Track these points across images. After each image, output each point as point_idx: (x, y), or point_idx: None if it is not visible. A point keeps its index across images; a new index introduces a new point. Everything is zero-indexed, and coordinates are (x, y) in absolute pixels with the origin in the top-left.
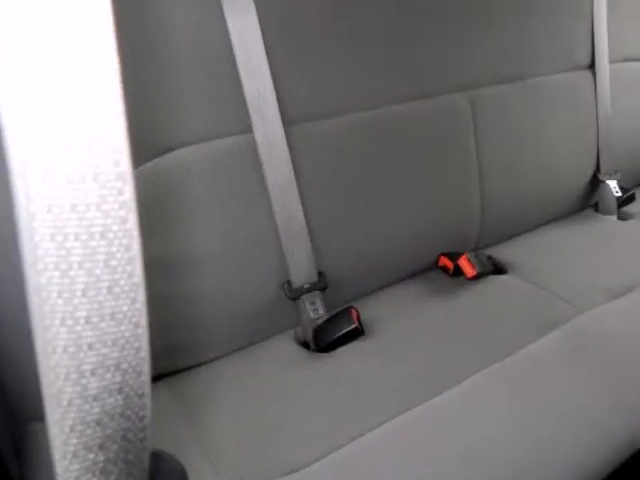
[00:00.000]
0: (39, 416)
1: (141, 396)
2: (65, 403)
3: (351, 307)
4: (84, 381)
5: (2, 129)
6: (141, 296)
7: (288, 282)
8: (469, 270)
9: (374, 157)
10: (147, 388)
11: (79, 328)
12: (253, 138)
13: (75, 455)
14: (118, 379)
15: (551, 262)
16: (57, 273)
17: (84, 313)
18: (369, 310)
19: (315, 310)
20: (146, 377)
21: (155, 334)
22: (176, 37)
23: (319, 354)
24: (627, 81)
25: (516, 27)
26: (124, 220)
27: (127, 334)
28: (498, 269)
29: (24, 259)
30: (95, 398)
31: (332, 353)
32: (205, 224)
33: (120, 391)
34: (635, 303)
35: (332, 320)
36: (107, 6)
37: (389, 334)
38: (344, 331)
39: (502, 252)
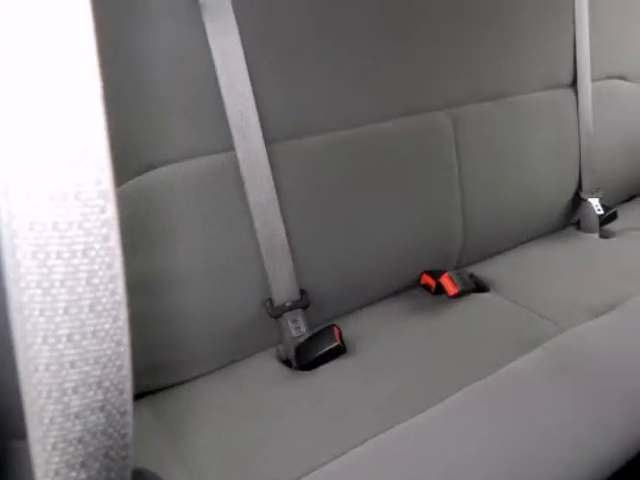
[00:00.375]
0: (21, 434)
1: (123, 414)
2: (47, 421)
3: (333, 325)
4: (66, 399)
5: None
6: (123, 314)
7: (270, 300)
8: (451, 288)
9: (355, 175)
10: (129, 406)
11: (61, 346)
12: (235, 156)
13: (57, 473)
14: (100, 397)
15: (533, 280)
16: (39, 291)
17: (66, 331)
18: (351, 328)
19: (297, 328)
20: (128, 395)
21: (137, 352)
22: (159, 57)
23: (301, 372)
24: (609, 99)
25: (498, 45)
26: (106, 238)
27: (109, 352)
28: (480, 287)
29: (6, 277)
30: (77, 416)
31: (314, 371)
32: (187, 242)
33: (102, 409)
34: (617, 321)
35: (314, 338)
36: (89, 27)
37: (371, 352)
38: (326, 349)
39: (484, 270)
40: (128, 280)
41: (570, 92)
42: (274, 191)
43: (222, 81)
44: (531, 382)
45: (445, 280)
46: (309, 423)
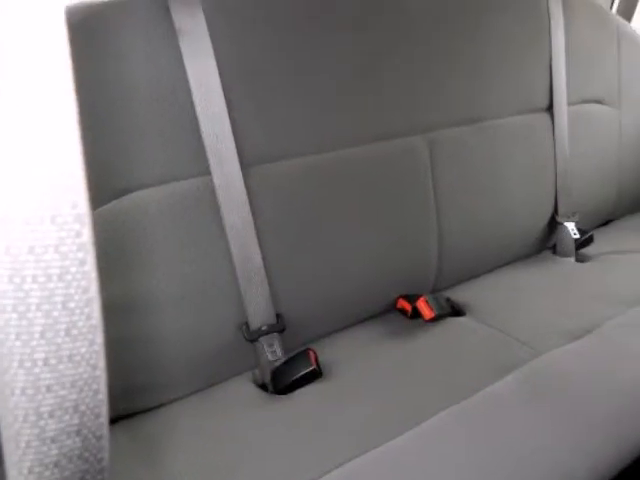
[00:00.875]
0: None
1: (99, 438)
2: (23, 445)
3: (309, 349)
4: (42, 423)
5: None
6: (99, 338)
7: (246, 324)
8: (427, 312)
9: (332, 199)
10: (105, 430)
11: (37, 370)
12: (211, 180)
13: None
14: (76, 421)
15: (509, 304)
16: (15, 315)
17: (42, 355)
18: (327, 352)
19: (273, 352)
20: (104, 419)
21: (113, 376)
22: (135, 81)
23: (277, 396)
24: (585, 123)
25: (474, 69)
26: (82, 262)
27: (85, 376)
28: (456, 311)
29: None
30: (53, 440)
31: (290, 395)
32: (163, 266)
33: (78, 433)
34: (593, 345)
35: (290, 362)
36: (65, 53)
37: (347, 376)
38: (302, 373)
39: (460, 294)
40: (104, 304)
41: (546, 116)
42: (250, 215)
43: (198, 105)
44: (508, 406)
45: (421, 304)
46: (285, 447)
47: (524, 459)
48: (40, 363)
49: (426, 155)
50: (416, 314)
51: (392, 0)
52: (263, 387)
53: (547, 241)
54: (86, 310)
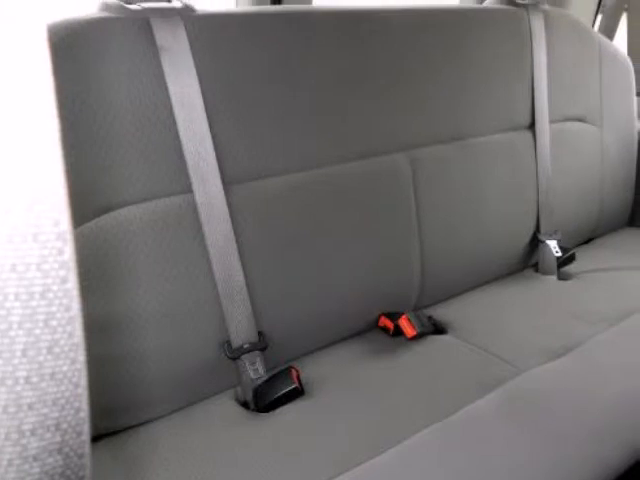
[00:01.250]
0: None
1: (81, 456)
2: (5, 463)
3: (291, 367)
4: (24, 441)
5: None
6: (81, 356)
7: (228, 342)
8: (409, 330)
9: (314, 217)
10: (87, 448)
11: (19, 388)
12: (193, 198)
13: None
14: (58, 439)
15: (491, 322)
16: None
17: (24, 373)
18: (309, 370)
19: (255, 370)
20: (86, 437)
21: (95, 394)
22: (116, 99)
23: (259, 414)
24: (567, 141)
25: (456, 87)
26: (64, 280)
27: (67, 394)
28: (438, 329)
29: None
30: (35, 458)
31: (272, 413)
32: (145, 284)
33: (60, 451)
34: (575, 363)
35: (272, 380)
36: (47, 72)
37: (329, 394)
38: (284, 391)
39: (442, 312)
40: (86, 322)
41: (528, 134)
42: (232, 233)
43: (180, 123)
44: (489, 424)
45: (403, 322)
46: (267, 465)
47: (506, 477)
48: (22, 381)
49: (408, 173)
50: (398, 332)
51: (373, 19)
52: (245, 405)
53: (529, 259)
54: (68, 328)
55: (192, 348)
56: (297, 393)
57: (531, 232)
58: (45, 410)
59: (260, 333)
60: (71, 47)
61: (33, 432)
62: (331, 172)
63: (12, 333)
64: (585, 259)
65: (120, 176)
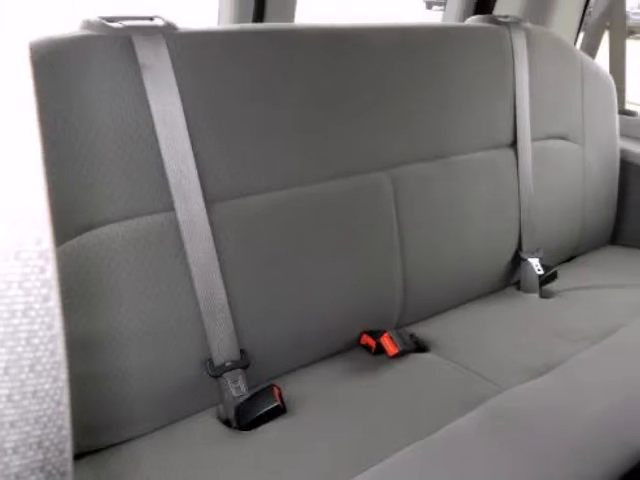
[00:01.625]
0: None
1: (63, 474)
2: None
3: (273, 385)
4: (6, 459)
5: None
6: (63, 374)
7: (210, 360)
8: (391, 348)
9: (295, 235)
10: (69, 466)
11: (1, 406)
12: (175, 216)
13: None
14: (40, 457)
15: (473, 340)
16: None
17: (6, 391)
18: (291, 388)
19: (237, 388)
20: (68, 455)
21: (77, 412)
22: (98, 116)
23: (241, 432)
24: (549, 159)
25: (437, 105)
26: (46, 298)
27: (49, 412)
28: (420, 347)
29: None
30: (17, 476)
31: (254, 431)
32: (127, 302)
33: (42, 469)
34: (556, 382)
35: (254, 398)
36: (30, 90)
37: (311, 412)
38: (265, 409)
39: (424, 330)
40: (68, 340)
41: (510, 152)
42: (214, 251)
43: (162, 141)
44: (471, 442)
45: (385, 340)
46: None
47: None
48: (4, 399)
49: (390, 191)
50: (380, 350)
51: (356, 37)
52: (227, 423)
53: (511, 277)
54: (50, 346)
55: (174, 366)
56: (279, 411)
57: (513, 250)
58: (27, 428)
59: (242, 351)
60: (53, 65)
61: (15, 450)
62: (313, 190)
63: None
64: (567, 277)
65: (102, 194)
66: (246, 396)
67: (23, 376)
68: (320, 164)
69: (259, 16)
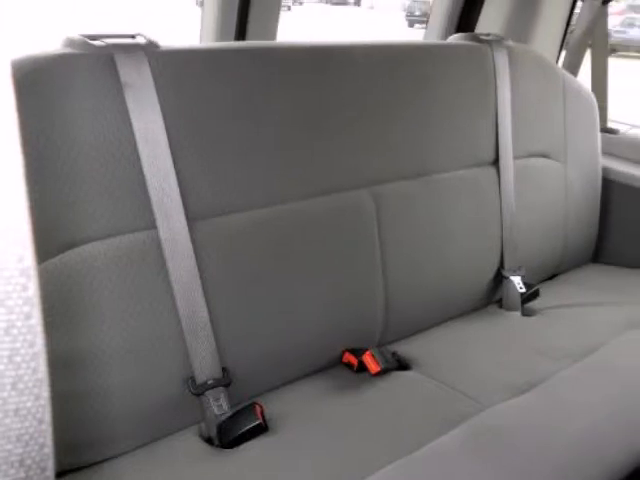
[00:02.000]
0: None
1: None
2: None
3: (255, 403)
4: None
5: None
6: (45, 392)
7: (192, 378)
8: (373, 366)
9: (278, 253)
10: None
11: None
12: (157, 234)
13: None
14: (22, 475)
15: (455, 358)
16: None
17: None
18: (273, 406)
19: (219, 406)
20: (50, 473)
21: (59, 430)
22: (81, 134)
23: (223, 450)
24: (531, 177)
25: (419, 123)
26: (28, 316)
27: (31, 430)
28: (402, 365)
29: None
30: None
31: (236, 449)
32: (109, 320)
33: None
34: (538, 399)
35: (236, 416)
36: (11, 106)
37: (293, 430)
38: (247, 427)
39: (406, 348)
40: (50, 358)
41: (492, 170)
42: (196, 269)
43: (144, 159)
44: (453, 460)
45: (367, 358)
46: None
47: None
48: None
49: (372, 209)
50: (362, 368)
51: (337, 55)
52: (209, 441)
53: (493, 295)
54: (32, 364)
55: (156, 384)
56: (261, 429)
57: (495, 268)
58: (9, 446)
59: (224, 369)
60: (35, 83)
61: None
62: (295, 208)
63: None
64: (549, 295)
65: (84, 212)
66: (228, 414)
67: (5, 394)
68: (302, 182)
69: (241, 34)
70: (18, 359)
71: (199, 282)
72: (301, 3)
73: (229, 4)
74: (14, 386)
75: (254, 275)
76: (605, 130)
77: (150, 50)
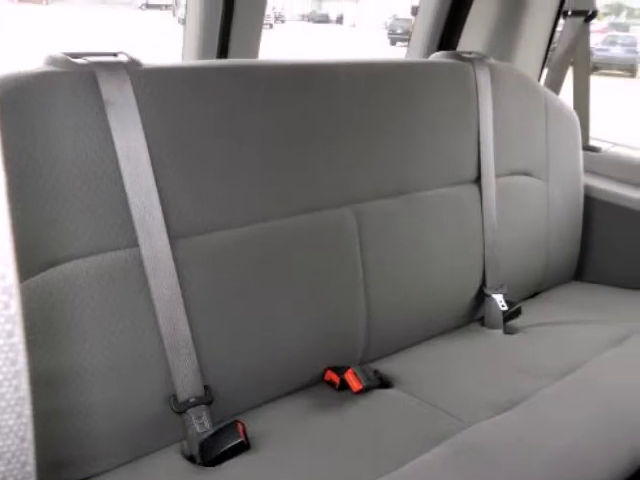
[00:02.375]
0: None
1: None
2: None
3: (237, 421)
4: None
5: None
6: (27, 410)
7: (174, 396)
8: (355, 384)
9: (260, 271)
10: None
11: None
12: (139, 252)
13: None
14: None
15: (437, 376)
16: None
17: None
18: (255, 424)
19: (201, 424)
20: None
21: (41, 448)
22: (62, 152)
23: (205, 468)
24: (513, 195)
25: (401, 141)
26: (10, 334)
27: (13, 448)
28: (384, 383)
29: None
30: None
31: (218, 467)
32: (91, 338)
33: None
34: (520, 417)
35: (218, 434)
36: None
37: (275, 448)
38: (229, 445)
39: (388, 366)
40: (32, 376)
41: (474, 188)
42: (178, 287)
43: (126, 177)
44: (435, 478)
45: (349, 376)
46: None
47: None
48: None
49: (354, 227)
50: (344, 386)
51: (320, 73)
52: (191, 459)
53: (475, 313)
54: (14, 382)
55: (138, 402)
56: (243, 447)
57: (477, 286)
58: None
59: (206, 387)
60: (17, 101)
61: None
62: (277, 226)
63: None
64: (531, 313)
65: (66, 230)
66: (210, 432)
67: None
68: (284, 200)
69: (223, 52)
70: (0, 377)
71: (181, 300)
72: (283, 21)
73: (211, 22)
74: None
75: (236, 293)
76: (587, 148)
77: (132, 68)
